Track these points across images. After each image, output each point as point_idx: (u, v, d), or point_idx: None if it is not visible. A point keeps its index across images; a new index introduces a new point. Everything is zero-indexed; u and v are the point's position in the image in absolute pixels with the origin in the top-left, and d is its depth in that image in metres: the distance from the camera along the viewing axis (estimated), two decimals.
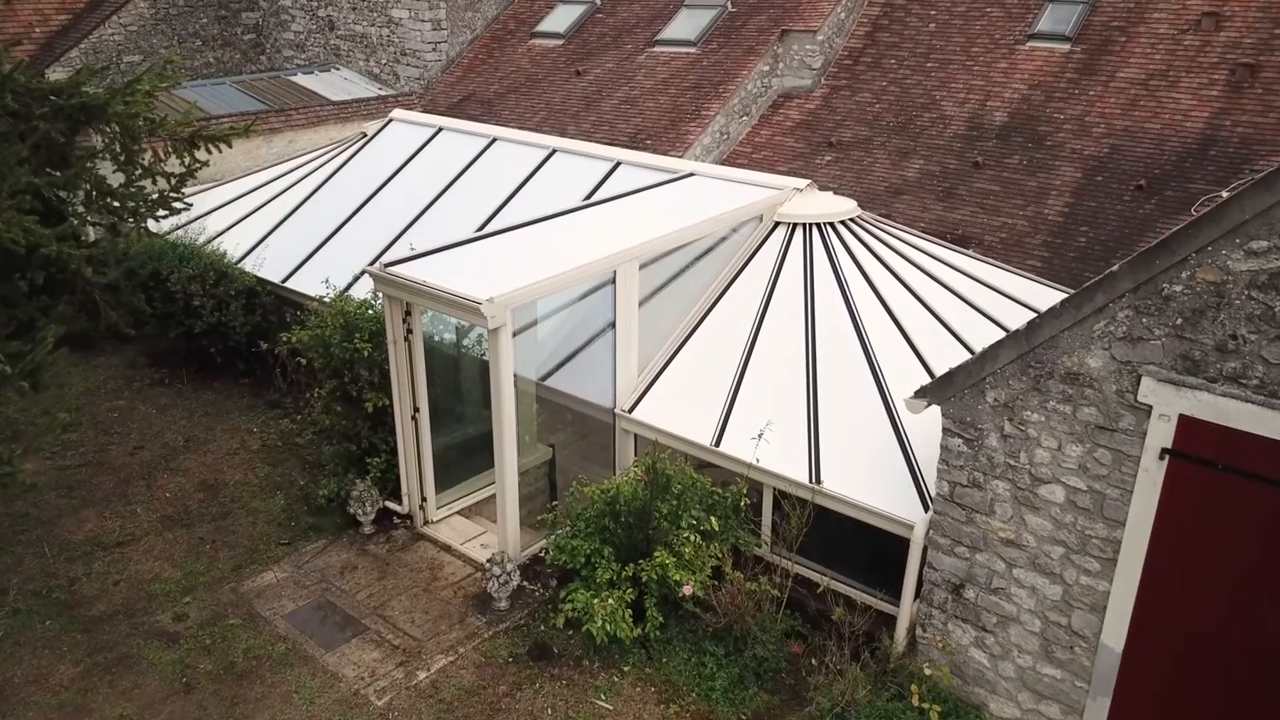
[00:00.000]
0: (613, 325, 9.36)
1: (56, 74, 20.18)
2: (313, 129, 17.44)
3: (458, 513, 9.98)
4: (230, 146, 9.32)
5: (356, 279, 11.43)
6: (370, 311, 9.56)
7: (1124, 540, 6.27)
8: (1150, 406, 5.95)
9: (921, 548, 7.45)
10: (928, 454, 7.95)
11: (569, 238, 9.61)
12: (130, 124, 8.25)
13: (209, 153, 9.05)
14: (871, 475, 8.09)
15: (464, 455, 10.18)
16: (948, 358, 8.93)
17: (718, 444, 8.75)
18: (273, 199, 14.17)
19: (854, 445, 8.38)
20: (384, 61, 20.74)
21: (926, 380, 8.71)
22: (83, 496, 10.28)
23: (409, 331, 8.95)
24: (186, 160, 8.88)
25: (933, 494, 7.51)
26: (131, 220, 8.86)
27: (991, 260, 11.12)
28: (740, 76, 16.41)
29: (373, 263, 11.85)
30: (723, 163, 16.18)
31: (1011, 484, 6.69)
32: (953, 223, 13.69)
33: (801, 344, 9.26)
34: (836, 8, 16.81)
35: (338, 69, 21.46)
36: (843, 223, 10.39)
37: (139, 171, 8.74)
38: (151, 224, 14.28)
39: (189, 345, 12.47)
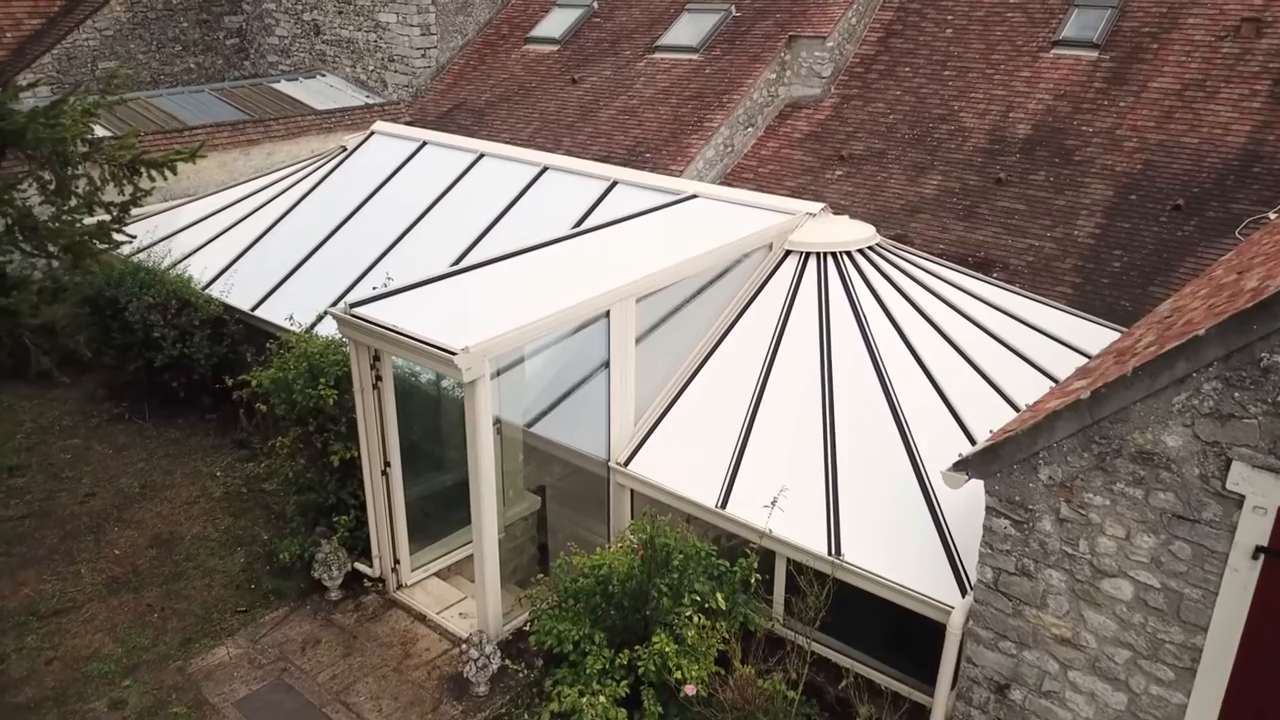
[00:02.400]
0: (606, 365, 8.40)
1: (27, 80, 19.26)
2: (293, 140, 16.52)
3: (435, 574, 9.02)
4: (175, 173, 8.39)
5: (323, 316, 10.46)
6: (337, 354, 8.61)
7: (1205, 648, 5.31)
8: (1242, 496, 5.00)
9: (959, 638, 6.48)
10: (963, 524, 7.01)
11: (558, 271, 8.65)
12: (61, 149, 7.30)
13: (152, 180, 8.09)
14: (898, 545, 7.13)
15: (443, 507, 9.23)
16: (980, 408, 8.01)
17: (723, 505, 7.80)
18: (245, 218, 13.21)
19: (878, 509, 7.42)
20: (371, 68, 19.79)
21: (955, 433, 7.82)
22: (23, 554, 9.33)
23: (378, 378, 7.99)
24: (128, 189, 7.91)
25: (971, 575, 6.57)
26: (66, 256, 7.90)
27: (1020, 290, 10.15)
28: (745, 85, 15.44)
29: (346, 293, 11.01)
30: (727, 176, 15.24)
31: (1069, 575, 5.73)
32: (974, 244, 12.74)
33: (817, 390, 8.30)
34: (847, 12, 15.85)
35: (323, 75, 20.52)
36: (860, 251, 9.44)
37: (73, 202, 7.79)
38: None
39: (150, 379, 11.51)
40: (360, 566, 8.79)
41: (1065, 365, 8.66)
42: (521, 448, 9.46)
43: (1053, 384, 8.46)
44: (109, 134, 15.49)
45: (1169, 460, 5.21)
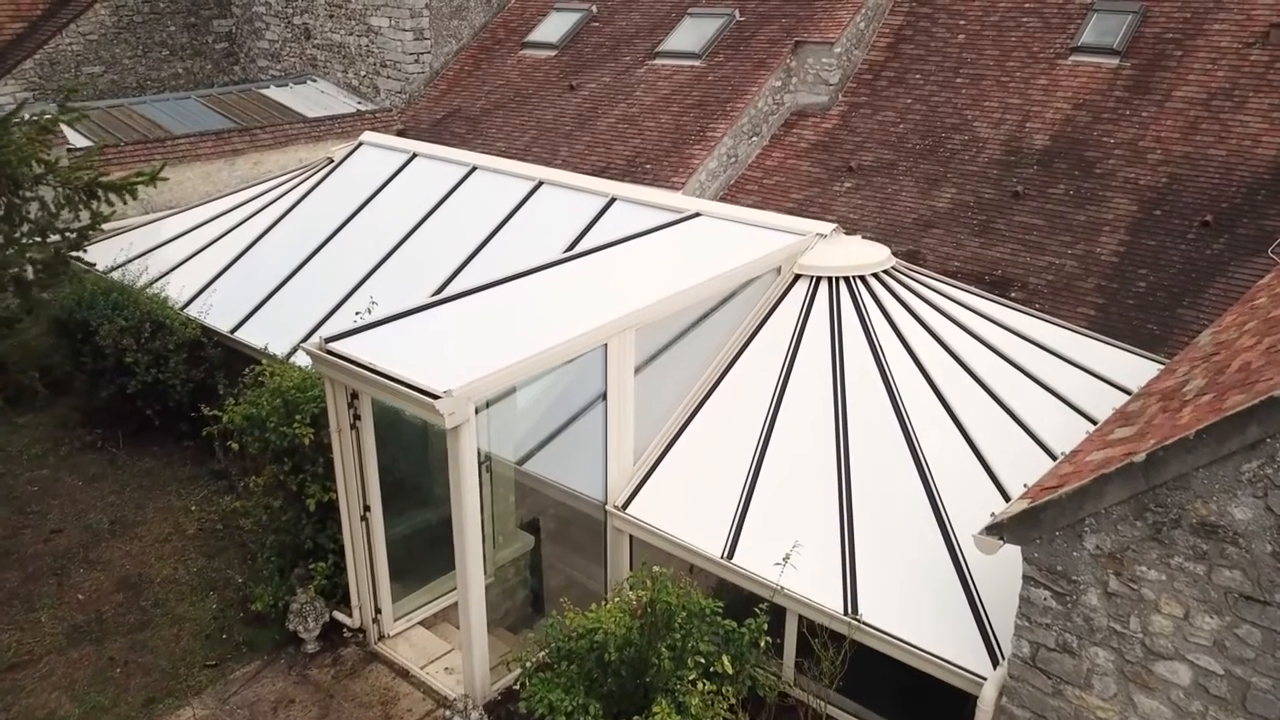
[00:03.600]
0: (603, 398, 7.80)
1: (9, 86, 18.68)
2: (281, 149, 15.91)
3: (420, 623, 8.41)
4: (135, 197, 7.79)
5: (298, 346, 9.85)
6: (314, 389, 8.00)
7: None
8: None
9: (991, 715, 5.88)
10: (992, 581, 6.42)
11: (551, 299, 8.06)
12: (10, 171, 6.71)
13: (111, 204, 7.50)
14: (921, 604, 6.54)
15: (429, 549, 8.61)
16: (1007, 449, 7.42)
17: (730, 556, 7.20)
18: (226, 233, 12.61)
19: (897, 562, 6.83)
20: (363, 73, 19.20)
21: (981, 478, 7.24)
22: None
23: (356, 417, 7.39)
24: (82, 214, 7.32)
25: (1003, 641, 5.98)
26: (12, 287, 7.31)
27: (1044, 315, 9.53)
28: (750, 93, 14.84)
29: (329, 316, 10.42)
30: (730, 188, 14.65)
31: (1117, 654, 5.13)
32: (990, 261, 12.14)
33: (830, 428, 7.70)
34: (855, 17, 15.25)
35: (314, 80, 19.94)
36: (875, 275, 8.84)
37: (26, 228, 7.20)
38: (91, 259, 12.90)
39: (123, 406, 10.91)
40: (339, 616, 8.19)
41: (1096, 398, 8.09)
42: (513, 487, 8.88)
43: (1084, 420, 7.90)
44: (87, 144, 15.05)
45: (1236, 535, 4.61)
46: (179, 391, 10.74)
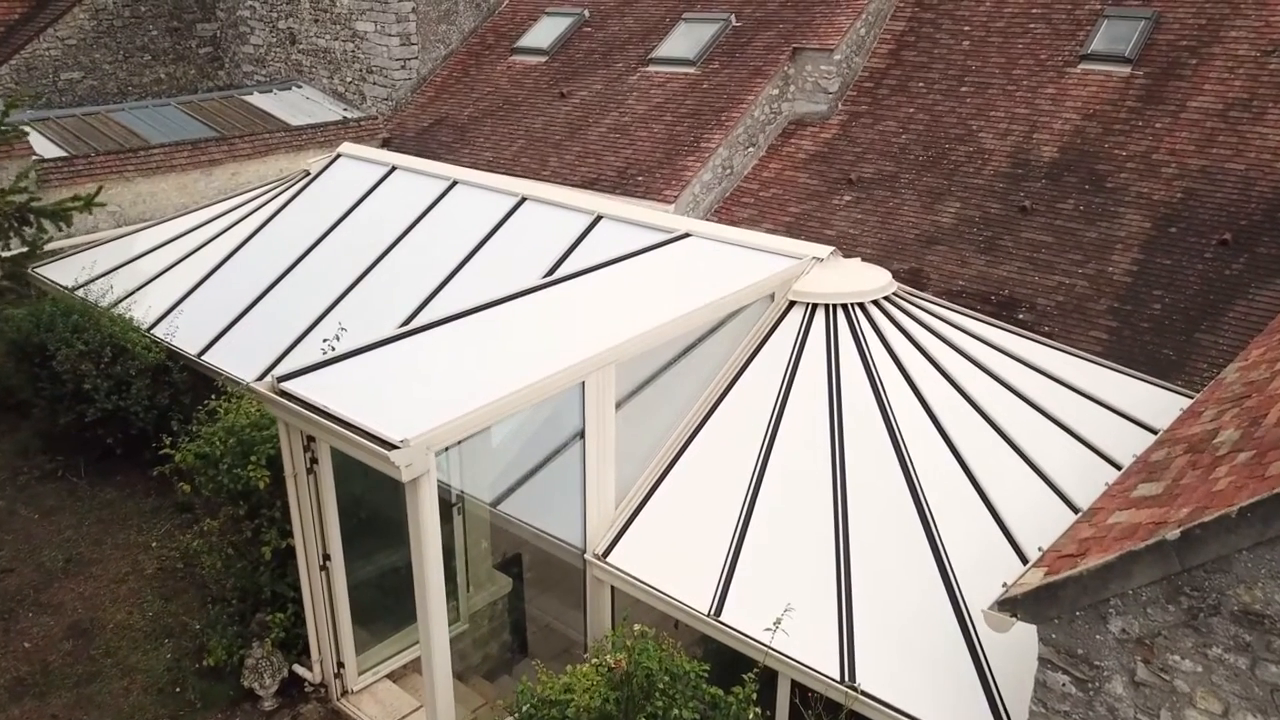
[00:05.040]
0: (582, 436, 7.25)
1: None
2: (260, 159, 15.37)
3: (387, 675, 7.85)
4: (69, 224, 7.23)
5: (263, 376, 9.28)
6: (271, 427, 7.44)
7: None
8: None
9: None
10: (1002, 650, 5.86)
11: (527, 331, 7.50)
12: None
13: (44, 231, 6.93)
14: (925, 674, 5.99)
15: (398, 595, 8.04)
16: (1019, 496, 6.87)
17: (718, 612, 6.64)
18: (197, 249, 12.05)
19: (898, 623, 6.27)
20: (349, 79, 18.65)
21: (990, 530, 6.68)
22: None
23: (314, 461, 6.83)
24: (14, 243, 6.76)
25: (1014, 715, 5.43)
26: None
27: (1058, 344, 8.96)
28: (746, 102, 14.29)
29: (297, 343, 9.90)
30: (726, 200, 14.09)
31: None
32: (997, 280, 11.58)
33: (826, 471, 7.14)
34: (856, 23, 14.69)
35: (299, 86, 19.39)
36: (875, 302, 8.28)
37: None
38: (56, 277, 12.36)
39: (83, 433, 10.36)
40: (299, 670, 7.63)
41: (1112, 434, 7.55)
42: (488, 529, 8.34)
43: (1100, 460, 7.34)
44: (59, 154, 14.51)
45: None
46: (141, 419, 10.20)
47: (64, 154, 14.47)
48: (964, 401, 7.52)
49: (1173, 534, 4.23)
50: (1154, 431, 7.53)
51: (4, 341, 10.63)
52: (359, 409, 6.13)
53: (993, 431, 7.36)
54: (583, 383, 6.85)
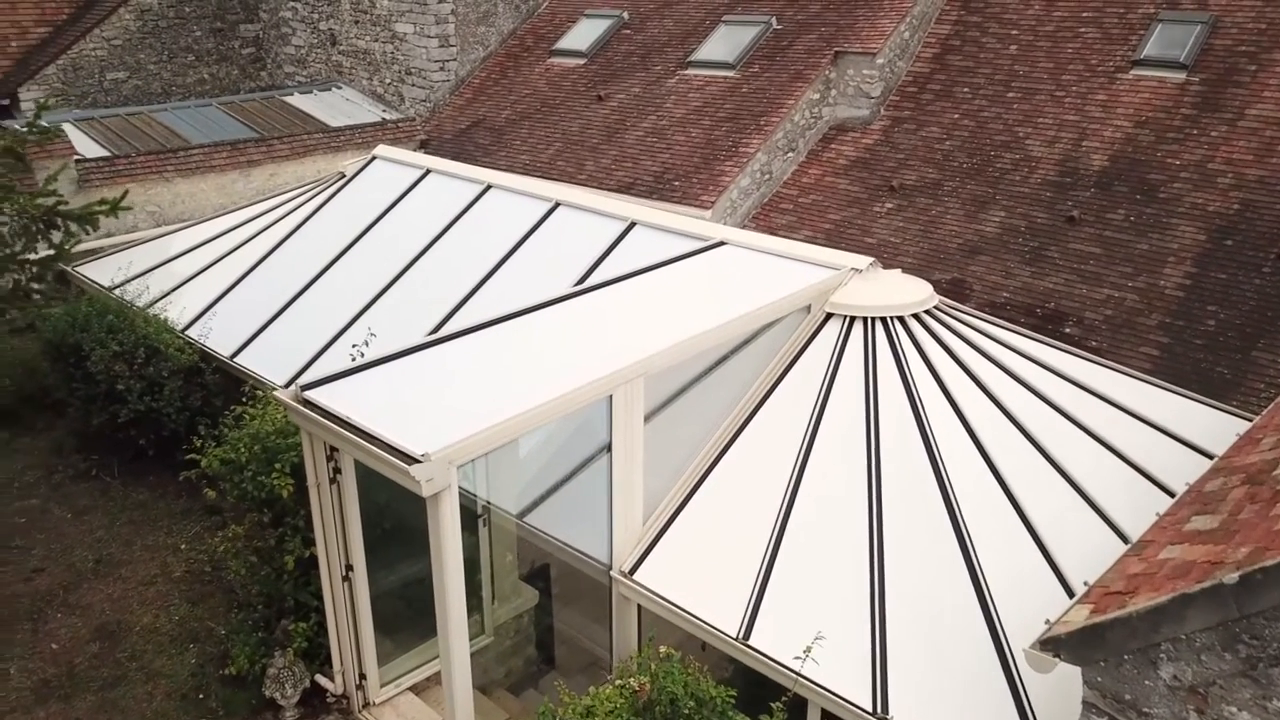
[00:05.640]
0: (609, 449, 7.07)
1: (31, 93, 18.39)
2: (298, 160, 15.40)
3: (410, 688, 7.73)
4: (96, 228, 7.20)
5: (293, 380, 9.23)
6: (296, 436, 7.35)
7: None
8: None
9: None
10: (1045, 687, 5.59)
11: (556, 341, 7.35)
12: None
13: (71, 234, 6.91)
14: (957, 702, 5.74)
15: (420, 609, 7.92)
16: (1065, 522, 6.59)
17: (746, 636, 6.43)
18: (232, 251, 12.06)
19: (934, 653, 6.02)
20: (388, 80, 18.66)
21: (1033, 556, 6.42)
22: None
23: (337, 471, 6.73)
24: (40, 247, 6.73)
25: None
26: None
27: (1106, 361, 8.63)
28: (786, 106, 14.04)
29: (328, 347, 9.84)
30: (764, 206, 13.87)
31: None
32: (1042, 293, 11.24)
33: (861, 491, 6.91)
34: (900, 26, 14.39)
35: (339, 88, 19.45)
36: (915, 316, 8.02)
37: None
38: (95, 276, 12.45)
39: (116, 434, 10.38)
40: (321, 680, 7.54)
41: (1163, 457, 7.25)
42: (514, 541, 8.20)
43: (1150, 485, 7.04)
44: (102, 154, 14.64)
45: None
46: (174, 420, 10.20)
47: (106, 154, 14.60)
48: (1006, 420, 7.25)
49: (1230, 578, 3.97)
50: (1207, 455, 7.21)
51: (41, 341, 10.71)
52: (381, 420, 6.01)
53: (1036, 452, 7.08)
54: (610, 396, 6.68)
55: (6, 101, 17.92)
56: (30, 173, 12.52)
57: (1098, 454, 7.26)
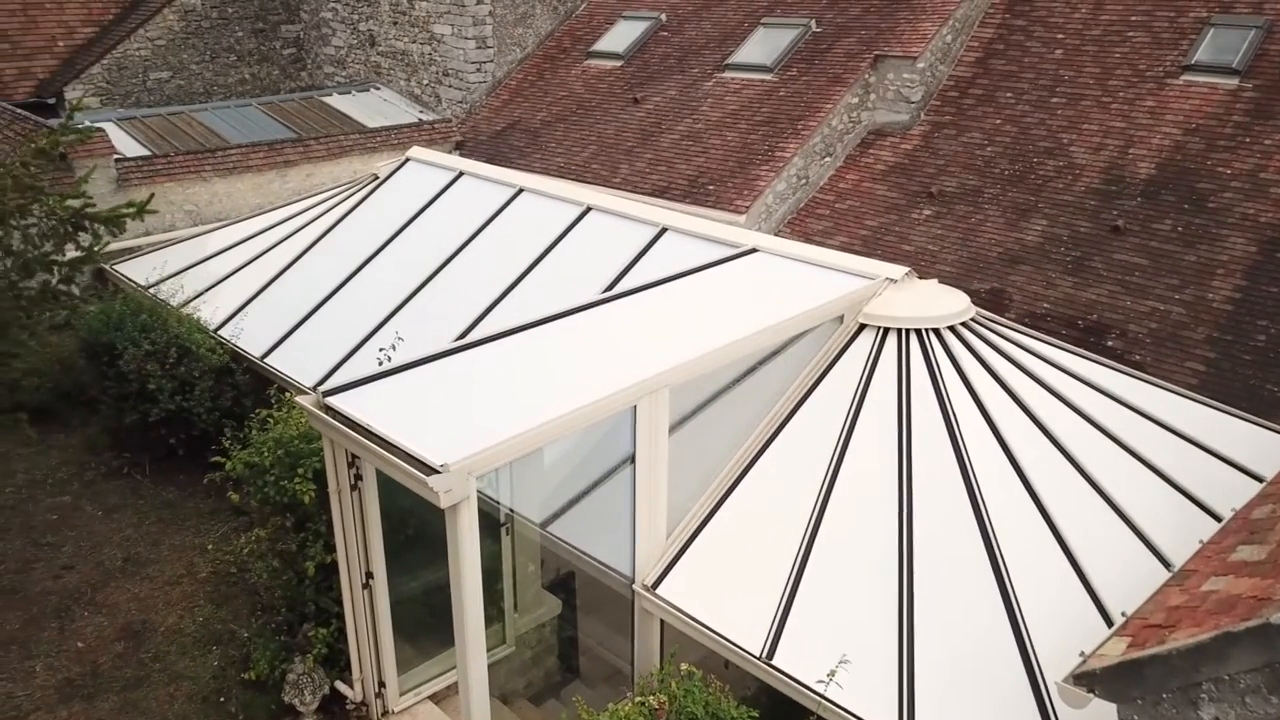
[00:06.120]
0: (632, 461, 6.95)
1: (76, 92, 18.67)
2: (334, 161, 15.44)
3: (430, 697, 7.67)
4: (122, 230, 7.20)
5: (321, 382, 9.18)
6: (319, 441, 7.30)
7: None
8: None
9: None
10: (1076, 717, 5.37)
11: (582, 348, 7.24)
12: None
13: (98, 237, 6.91)
14: None
15: (441, 617, 7.86)
16: (1104, 547, 6.36)
17: (770, 655, 6.27)
18: (266, 251, 12.11)
19: (963, 679, 5.83)
20: (425, 82, 18.70)
21: (1070, 583, 6.20)
22: None
23: (358, 478, 6.67)
24: (69, 249, 6.74)
25: None
26: None
27: (1150, 378, 8.36)
28: (823, 111, 13.84)
29: (358, 349, 9.82)
30: (799, 212, 13.67)
31: None
32: (1085, 304, 10.94)
33: (893, 511, 6.72)
34: (942, 29, 14.12)
35: (377, 89, 19.53)
36: (951, 328, 7.80)
37: (9, 262, 6.65)
38: (132, 274, 12.57)
39: (147, 433, 10.44)
40: (341, 687, 7.50)
41: (1209, 479, 6.99)
42: (538, 550, 8.11)
43: (1195, 509, 6.79)
44: (143, 153, 14.80)
45: None
46: (204, 420, 10.23)
47: (146, 153, 14.75)
48: (1044, 438, 7.02)
49: (1278, 616, 3.75)
50: (1256, 478, 6.94)
51: (76, 339, 10.81)
52: (401, 428, 5.93)
53: (1075, 471, 6.85)
54: (634, 407, 6.56)
55: (53, 100, 18.19)
56: (71, 172, 12.70)
57: (1139, 474, 7.02)
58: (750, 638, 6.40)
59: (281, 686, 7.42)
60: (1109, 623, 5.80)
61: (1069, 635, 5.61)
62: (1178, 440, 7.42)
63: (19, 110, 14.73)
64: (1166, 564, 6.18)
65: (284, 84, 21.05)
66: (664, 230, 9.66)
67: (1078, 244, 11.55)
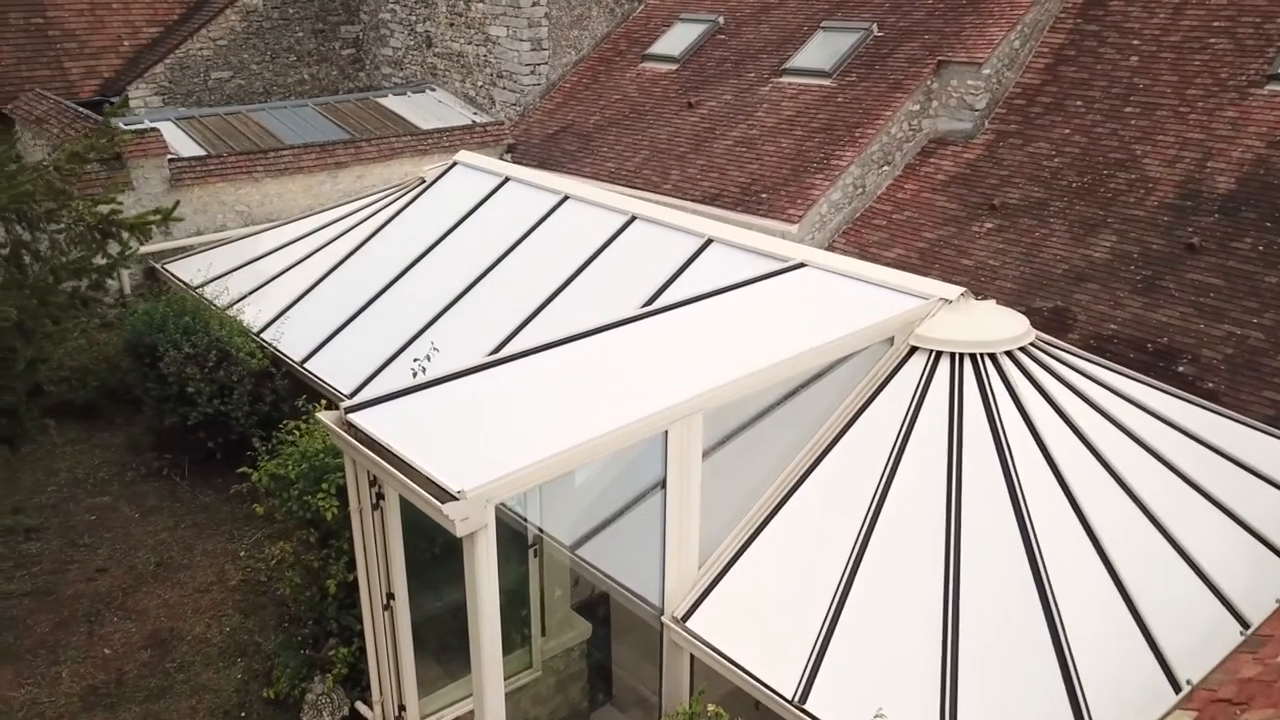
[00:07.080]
0: (663, 486, 6.63)
1: (139, 91, 18.94)
2: (384, 163, 15.36)
3: None
4: (148, 238, 7.09)
5: (357, 391, 9.06)
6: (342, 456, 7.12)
7: None
8: None
9: None
10: None
11: (616, 367, 6.94)
12: (22, 208, 6.05)
13: (124, 244, 6.81)
14: None
15: (465, 639, 7.65)
16: (1169, 597, 5.89)
17: (804, 699, 5.91)
18: (311, 254, 12.05)
19: None
20: (480, 83, 18.60)
21: (1130, 632, 5.72)
22: (7, 644, 8.27)
23: (380, 497, 6.45)
24: (99, 257, 6.64)
25: None
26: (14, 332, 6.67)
27: (1222, 409, 7.80)
28: (883, 118, 13.37)
29: (396, 356, 9.68)
30: (855, 222, 13.23)
31: None
32: (1155, 326, 10.34)
33: (939, 548, 6.30)
34: (1010, 34, 13.56)
35: (433, 90, 19.48)
36: (1008, 353, 7.34)
37: (37, 268, 6.58)
38: (182, 274, 12.63)
39: (186, 435, 10.42)
40: (361, 708, 7.31)
41: None
42: (567, 572, 7.83)
43: (1274, 557, 6.26)
44: (199, 152, 14.89)
45: None
46: (242, 424, 10.17)
47: (201, 153, 14.83)
48: (1107, 475, 6.54)
49: None
50: None
51: (122, 339, 10.85)
52: (422, 450, 5.70)
53: (1139, 512, 6.37)
54: (665, 432, 6.24)
55: (116, 99, 18.44)
56: (126, 171, 12.80)
57: (1211, 517, 6.52)
58: (783, 680, 6.04)
59: (301, 706, 7.26)
60: (1172, 683, 5.34)
61: (1128, 694, 5.17)
62: (1254, 480, 6.90)
63: (81, 109, 14.92)
64: (1240, 619, 5.70)
65: (342, 84, 21.14)
66: (709, 241, 9.34)
67: (1149, 262, 10.94)
